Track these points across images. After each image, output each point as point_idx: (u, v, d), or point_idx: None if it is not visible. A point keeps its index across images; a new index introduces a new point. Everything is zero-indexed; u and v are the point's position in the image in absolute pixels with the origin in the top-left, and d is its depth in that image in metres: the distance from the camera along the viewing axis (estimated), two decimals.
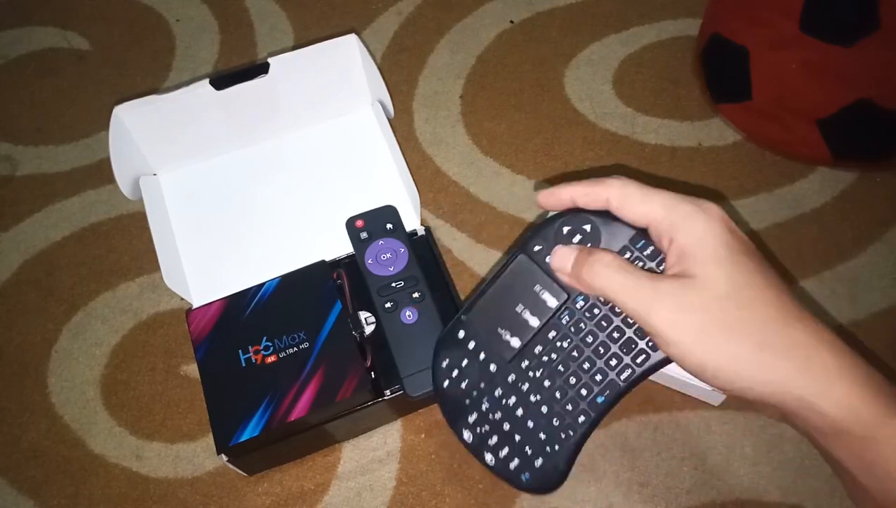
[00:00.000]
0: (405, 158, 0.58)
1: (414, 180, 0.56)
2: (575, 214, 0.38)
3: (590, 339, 0.38)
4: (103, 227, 0.62)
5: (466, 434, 0.40)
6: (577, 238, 0.38)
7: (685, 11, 0.72)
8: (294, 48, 0.70)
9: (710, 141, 0.64)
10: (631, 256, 0.37)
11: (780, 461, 0.49)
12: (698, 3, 0.67)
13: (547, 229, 0.39)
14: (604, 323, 0.38)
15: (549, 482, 0.39)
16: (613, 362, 0.37)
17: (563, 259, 0.37)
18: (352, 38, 0.58)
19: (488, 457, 0.40)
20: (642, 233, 0.36)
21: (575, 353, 0.38)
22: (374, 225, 0.53)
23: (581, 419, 0.38)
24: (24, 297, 0.59)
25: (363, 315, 0.51)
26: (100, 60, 0.73)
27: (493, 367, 0.40)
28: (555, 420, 0.38)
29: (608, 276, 0.35)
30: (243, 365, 0.47)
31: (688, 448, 0.50)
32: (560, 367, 0.38)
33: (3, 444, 0.53)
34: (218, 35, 0.74)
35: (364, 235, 0.52)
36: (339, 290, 0.51)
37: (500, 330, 0.40)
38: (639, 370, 0.37)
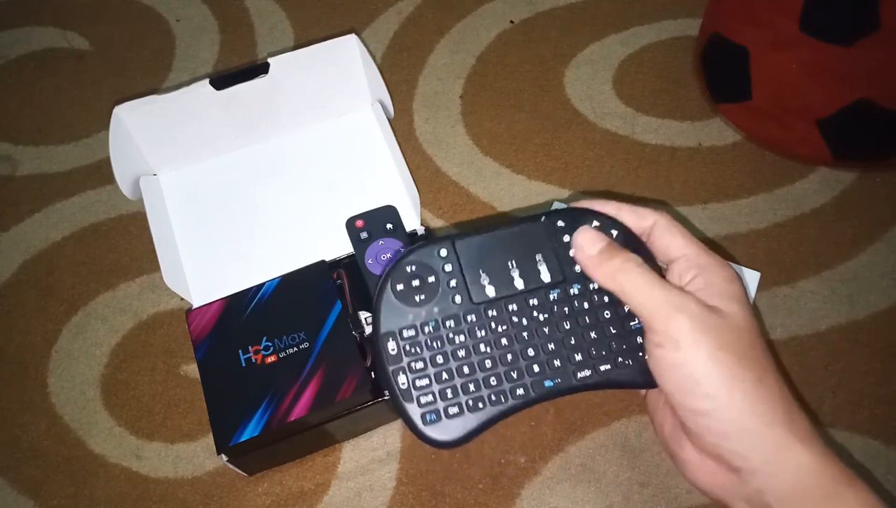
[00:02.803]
0: (405, 158, 0.58)
1: (414, 180, 0.56)
2: (609, 219, 0.38)
3: (566, 325, 0.37)
4: (103, 227, 0.62)
5: (391, 346, 0.37)
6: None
7: (685, 11, 0.72)
8: (294, 48, 0.70)
9: (710, 141, 0.64)
10: None
11: None
12: (698, 3, 0.67)
13: (578, 215, 0.38)
14: (587, 319, 0.37)
15: (449, 436, 0.36)
16: (579, 357, 0.37)
17: (591, 241, 0.36)
18: (352, 38, 0.58)
19: (401, 380, 0.36)
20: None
21: (546, 330, 0.37)
22: (374, 225, 0.53)
23: (519, 391, 0.36)
24: (24, 297, 0.59)
25: (363, 315, 0.51)
26: (100, 60, 0.73)
27: (457, 299, 0.37)
28: (492, 379, 0.36)
29: (637, 277, 0.35)
30: (243, 365, 0.47)
31: None
32: (525, 334, 0.37)
33: (3, 444, 0.53)
34: (218, 35, 0.74)
35: (364, 235, 0.52)
36: (339, 290, 0.51)
37: (482, 272, 0.38)
38: (598, 378, 0.36)
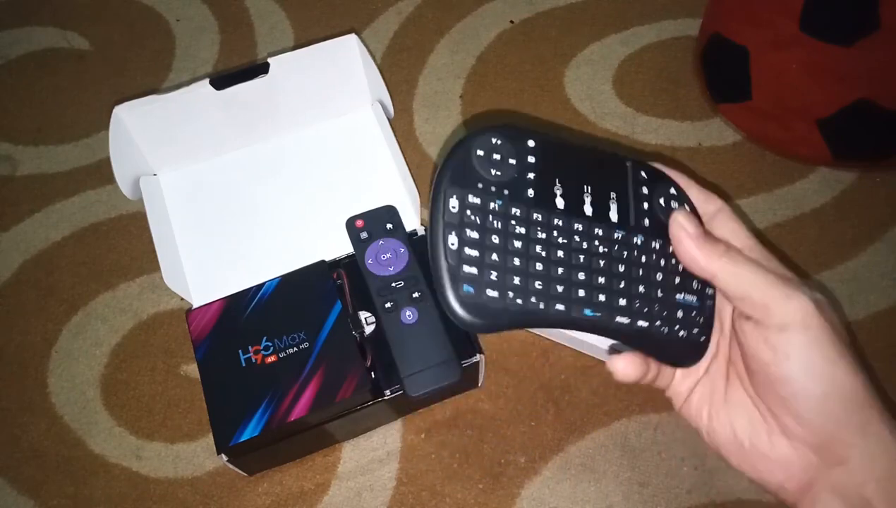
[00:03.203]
0: (405, 158, 0.58)
1: (414, 180, 0.56)
2: (684, 193, 0.38)
3: (620, 268, 0.35)
4: (103, 227, 0.62)
5: (453, 202, 0.34)
6: (675, 205, 0.37)
7: (685, 11, 0.72)
8: (294, 48, 0.70)
9: (710, 141, 0.64)
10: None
11: None
12: (698, 3, 0.67)
13: (658, 177, 0.38)
14: (640, 272, 0.36)
15: (475, 317, 0.33)
16: (623, 302, 0.35)
17: (692, 223, 0.36)
18: (352, 38, 0.58)
19: (451, 240, 0.33)
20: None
21: (601, 262, 0.35)
22: (374, 225, 0.53)
23: (559, 306, 0.34)
24: (24, 297, 0.59)
25: (363, 315, 0.51)
26: (100, 60, 0.73)
27: (530, 192, 0.35)
28: (538, 282, 0.34)
29: (744, 260, 0.34)
30: (243, 365, 0.47)
31: (688, 448, 0.50)
32: (581, 257, 0.35)
33: (3, 444, 0.53)
34: (218, 35, 0.74)
35: (364, 235, 0.52)
36: (339, 290, 0.51)
37: (558, 181, 0.35)
38: (632, 330, 0.35)
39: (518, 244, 0.34)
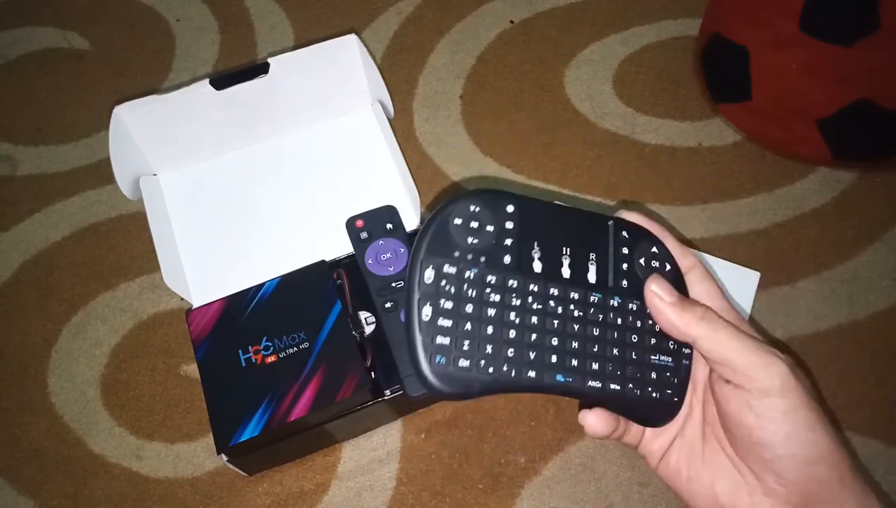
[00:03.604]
0: (405, 158, 0.58)
1: (414, 180, 0.56)
2: (667, 250, 0.38)
3: (595, 331, 0.37)
4: (103, 227, 0.62)
5: (429, 274, 0.35)
6: (655, 264, 0.38)
7: (685, 11, 0.72)
8: (294, 48, 0.70)
9: (710, 141, 0.64)
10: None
11: None
12: (698, 3, 0.67)
13: (642, 235, 0.38)
14: (615, 334, 0.37)
15: (448, 387, 0.34)
16: (595, 366, 0.36)
17: (668, 289, 0.36)
18: (352, 38, 0.58)
19: (425, 312, 0.34)
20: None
21: (576, 327, 0.36)
22: (374, 225, 0.53)
23: (531, 373, 0.35)
24: (24, 297, 0.59)
25: (363, 315, 0.51)
26: (100, 60, 0.73)
27: (507, 259, 0.36)
28: (510, 350, 0.35)
29: (723, 325, 0.34)
30: (243, 365, 0.47)
31: None
32: (555, 322, 0.36)
33: (3, 444, 0.53)
34: (218, 35, 0.74)
35: (364, 235, 0.52)
36: (339, 290, 0.51)
37: (536, 245, 0.36)
38: (603, 394, 0.36)
39: (492, 312, 0.35)
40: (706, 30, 0.64)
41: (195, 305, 0.52)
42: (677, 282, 0.37)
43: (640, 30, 0.71)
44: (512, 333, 0.35)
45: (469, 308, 0.35)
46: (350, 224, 0.53)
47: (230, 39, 0.74)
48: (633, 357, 0.36)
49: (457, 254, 0.35)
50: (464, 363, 0.34)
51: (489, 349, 0.35)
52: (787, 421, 0.33)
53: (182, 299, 0.55)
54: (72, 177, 0.65)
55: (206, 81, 0.56)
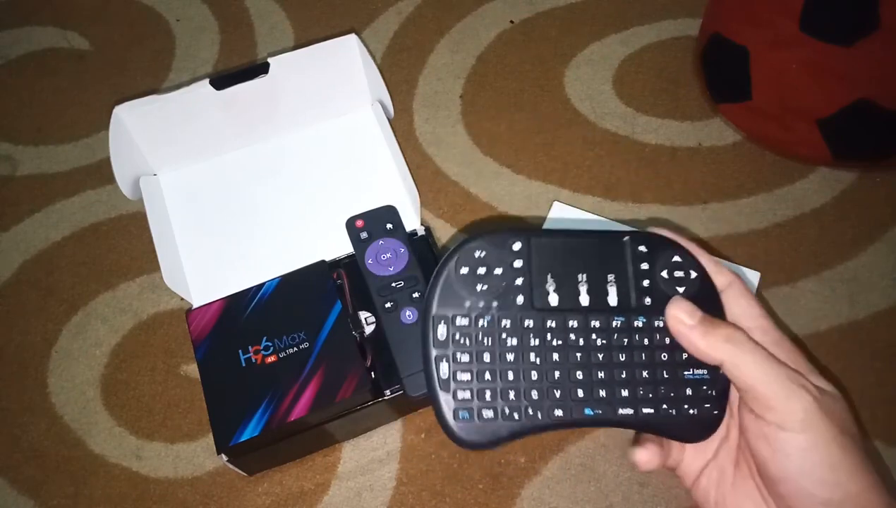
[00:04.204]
0: (405, 158, 0.58)
1: (414, 180, 0.56)
2: (691, 257, 0.36)
3: (621, 357, 0.35)
4: (103, 227, 0.62)
5: (441, 330, 0.35)
6: (679, 274, 0.36)
7: (685, 11, 0.72)
8: (294, 48, 0.70)
9: (710, 141, 0.64)
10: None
11: None
12: (698, 3, 0.67)
13: (661, 245, 0.36)
14: (643, 356, 0.35)
15: (477, 438, 0.34)
16: (625, 393, 0.35)
17: (688, 311, 0.34)
18: (352, 38, 0.58)
19: (442, 369, 0.34)
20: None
21: (600, 356, 0.35)
22: (374, 225, 0.53)
23: (557, 413, 0.34)
24: (24, 297, 0.59)
25: (363, 315, 0.51)
26: (100, 60, 0.73)
27: (519, 299, 0.35)
28: (534, 392, 0.34)
29: (748, 350, 0.32)
30: (243, 365, 0.47)
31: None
32: (578, 355, 0.35)
33: (3, 444, 0.53)
34: (218, 35, 0.74)
35: (364, 235, 0.52)
36: (339, 290, 0.51)
37: (550, 277, 0.35)
38: (637, 419, 0.35)
39: (510, 356, 0.35)
40: (706, 30, 0.64)
41: (195, 305, 0.52)
42: (705, 291, 0.36)
43: (640, 30, 0.71)
44: (534, 375, 0.35)
45: (486, 357, 0.34)
46: (350, 224, 0.53)
47: (230, 39, 0.74)
48: (665, 376, 0.35)
49: (467, 303, 0.35)
50: (488, 414, 0.34)
51: (511, 395, 0.34)
52: (805, 457, 0.31)
53: (182, 299, 0.55)
54: (72, 177, 0.65)
55: (206, 81, 0.56)
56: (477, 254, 0.35)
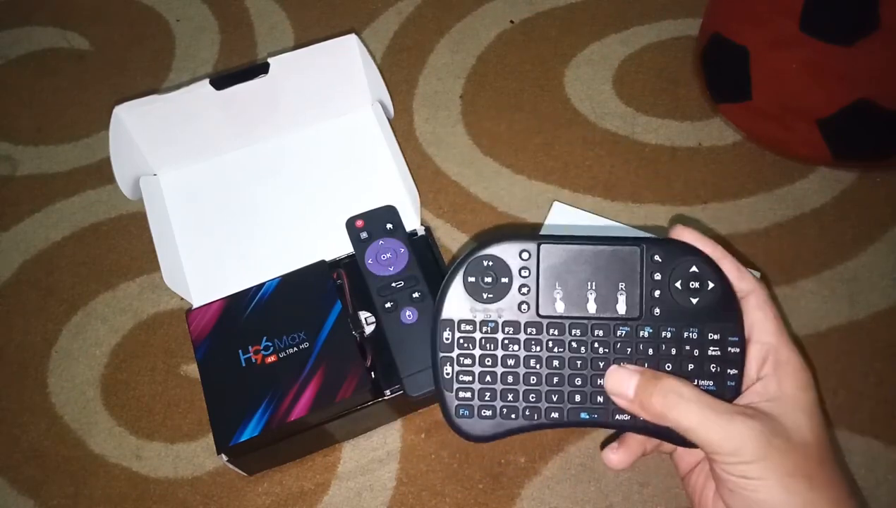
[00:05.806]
0: (405, 158, 0.58)
1: (414, 180, 0.56)
2: (710, 264, 0.36)
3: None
4: (103, 227, 0.62)
5: (447, 334, 0.37)
6: (694, 285, 0.36)
7: (685, 11, 0.72)
8: (294, 48, 0.69)
9: (710, 141, 0.64)
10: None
11: None
12: (698, 3, 0.67)
13: (678, 251, 0.36)
14: (647, 366, 0.36)
15: (477, 432, 0.37)
16: None
17: (621, 382, 0.35)
18: (352, 38, 0.58)
19: (446, 370, 0.37)
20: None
21: (601, 364, 0.36)
22: (374, 225, 0.53)
23: (554, 415, 0.36)
24: (24, 297, 0.59)
25: (363, 315, 0.51)
26: (100, 60, 0.73)
27: (524, 307, 0.36)
28: (532, 395, 0.36)
29: (687, 409, 0.33)
30: (243, 365, 0.47)
31: None
32: (578, 362, 0.36)
33: (3, 444, 0.53)
34: (218, 35, 0.74)
35: (364, 235, 0.52)
36: (339, 290, 0.51)
37: (558, 284, 0.36)
38: (634, 423, 0.36)
39: (511, 362, 0.37)
40: (706, 30, 0.64)
41: (195, 305, 0.52)
42: (722, 301, 0.36)
43: (640, 30, 0.71)
44: (532, 379, 0.36)
45: (488, 361, 0.37)
46: (350, 224, 0.53)
47: (230, 39, 0.74)
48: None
49: (473, 310, 0.37)
50: (486, 413, 0.37)
51: (510, 398, 0.37)
52: (761, 487, 0.32)
53: (182, 299, 0.55)
54: (72, 177, 0.65)
55: (206, 81, 0.56)
56: (485, 263, 0.37)
